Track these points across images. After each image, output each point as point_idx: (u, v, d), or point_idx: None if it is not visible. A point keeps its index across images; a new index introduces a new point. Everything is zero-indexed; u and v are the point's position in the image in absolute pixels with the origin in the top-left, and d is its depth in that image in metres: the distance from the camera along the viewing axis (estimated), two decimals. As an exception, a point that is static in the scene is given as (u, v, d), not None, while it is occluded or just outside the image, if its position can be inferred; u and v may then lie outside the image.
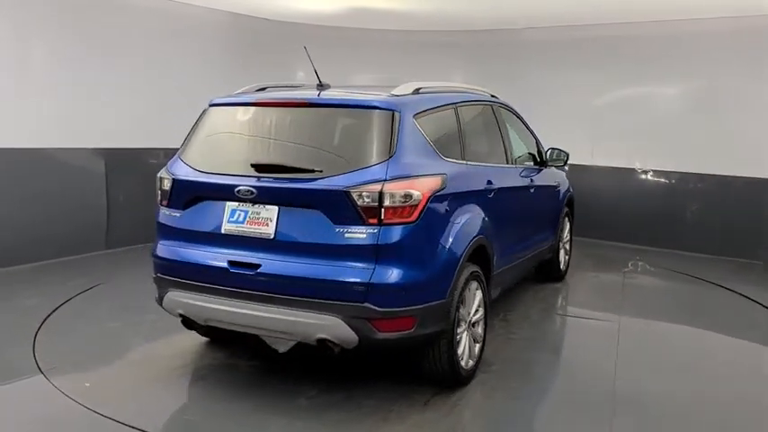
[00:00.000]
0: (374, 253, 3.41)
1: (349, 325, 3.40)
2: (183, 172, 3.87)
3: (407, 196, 3.43)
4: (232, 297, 3.62)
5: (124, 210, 7.65)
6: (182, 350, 4.54)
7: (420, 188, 3.49)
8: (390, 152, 3.54)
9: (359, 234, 3.41)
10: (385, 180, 3.42)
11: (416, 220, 3.47)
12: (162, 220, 3.97)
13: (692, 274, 7.15)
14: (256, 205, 3.61)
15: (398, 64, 9.31)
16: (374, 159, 3.50)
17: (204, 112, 4.12)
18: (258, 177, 3.61)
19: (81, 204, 7.30)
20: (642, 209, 8.53)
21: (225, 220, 3.68)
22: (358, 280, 3.40)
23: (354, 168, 3.48)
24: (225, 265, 3.63)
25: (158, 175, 4.01)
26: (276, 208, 3.57)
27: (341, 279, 3.42)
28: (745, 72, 7.77)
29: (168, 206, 3.93)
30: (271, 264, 3.54)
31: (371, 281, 3.39)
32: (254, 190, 3.56)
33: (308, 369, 4.26)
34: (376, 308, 3.39)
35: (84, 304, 5.63)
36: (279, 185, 3.56)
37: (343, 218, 3.43)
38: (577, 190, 8.22)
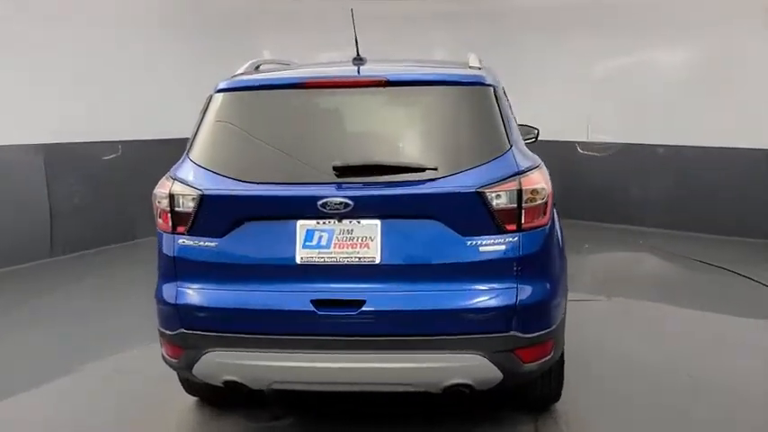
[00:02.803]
0: (516, 267, 2.70)
1: (492, 361, 2.68)
2: (218, 184, 2.78)
3: (540, 193, 2.76)
4: (322, 348, 2.69)
5: (69, 212, 6.84)
6: (178, 412, 3.42)
7: (546, 182, 2.84)
8: (510, 138, 2.84)
9: (497, 246, 2.68)
10: (520, 173, 2.72)
11: (548, 222, 2.82)
12: (180, 253, 2.83)
13: (695, 257, 6.46)
14: (345, 221, 2.68)
15: (370, 37, 8.13)
16: (497, 149, 2.77)
17: (212, 99, 3.01)
18: (340, 184, 2.68)
19: (19, 208, 6.48)
20: (646, 187, 7.68)
21: (298, 245, 2.70)
22: (502, 304, 2.68)
23: (478, 162, 2.72)
24: (308, 307, 2.67)
25: (165, 191, 2.84)
26: (378, 222, 2.68)
27: (481, 305, 2.68)
28: (762, 34, 6.82)
29: (192, 233, 2.80)
30: (380, 297, 2.67)
31: (518, 303, 2.69)
32: (348, 201, 2.63)
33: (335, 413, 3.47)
34: (523, 335, 2.71)
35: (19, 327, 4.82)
36: (382, 192, 2.67)
37: (474, 227, 2.67)
38: (572, 168, 7.67)
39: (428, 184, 2.67)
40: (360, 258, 2.67)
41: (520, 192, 2.68)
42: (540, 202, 2.74)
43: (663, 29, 7.54)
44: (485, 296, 2.68)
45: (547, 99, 7.75)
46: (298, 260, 2.70)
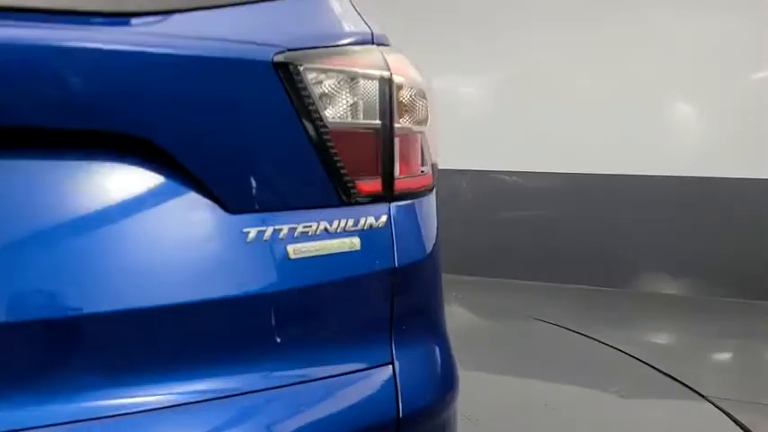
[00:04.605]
0: (389, 305, 0.92)
1: None
2: None
3: (422, 98, 1.02)
4: None
5: None
6: None
7: (419, 75, 1.13)
8: None
9: (337, 240, 0.86)
10: (378, 41, 0.96)
11: (434, 180, 1.11)
12: None
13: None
14: None
15: None
16: None
17: None
18: None
19: None
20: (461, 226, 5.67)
21: None
22: (366, 422, 0.87)
23: None
24: None
25: None
26: None
27: None
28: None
29: None
30: None
31: (401, 409, 0.90)
32: None
33: None
34: None
35: None
36: None
37: (269, 183, 0.82)
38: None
39: (111, 28, 0.75)
40: None
41: (389, 83, 0.92)
42: (420, 127, 1.01)
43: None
44: (311, 404, 0.84)
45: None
46: None
